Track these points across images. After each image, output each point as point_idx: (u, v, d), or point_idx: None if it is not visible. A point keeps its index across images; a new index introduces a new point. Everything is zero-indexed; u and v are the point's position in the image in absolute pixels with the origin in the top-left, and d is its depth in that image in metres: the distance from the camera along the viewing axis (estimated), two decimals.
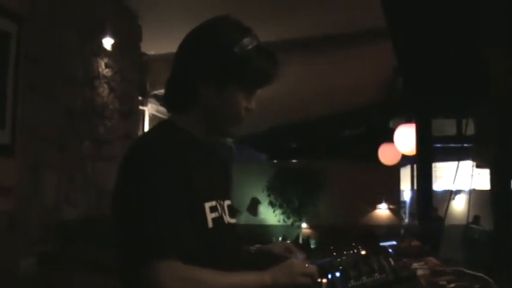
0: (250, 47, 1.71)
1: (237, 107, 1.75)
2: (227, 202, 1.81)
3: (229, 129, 1.83)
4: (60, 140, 5.62)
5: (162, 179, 1.59)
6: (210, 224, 1.67)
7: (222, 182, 1.89)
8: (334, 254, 2.27)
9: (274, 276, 1.67)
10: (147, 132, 1.81)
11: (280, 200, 13.76)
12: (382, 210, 14.08)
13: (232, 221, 1.82)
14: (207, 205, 1.68)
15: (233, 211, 1.85)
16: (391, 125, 10.39)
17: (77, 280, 4.73)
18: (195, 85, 1.72)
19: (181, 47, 1.78)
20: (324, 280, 1.86)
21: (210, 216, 1.67)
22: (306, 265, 1.78)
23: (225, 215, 1.76)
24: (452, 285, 1.91)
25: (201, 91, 1.72)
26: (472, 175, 4.11)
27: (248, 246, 2.02)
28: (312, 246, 12.88)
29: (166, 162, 1.62)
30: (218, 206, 1.72)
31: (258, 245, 2.04)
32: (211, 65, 1.70)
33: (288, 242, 2.05)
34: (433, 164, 4.32)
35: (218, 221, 1.70)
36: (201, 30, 1.77)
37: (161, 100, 9.44)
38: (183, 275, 1.51)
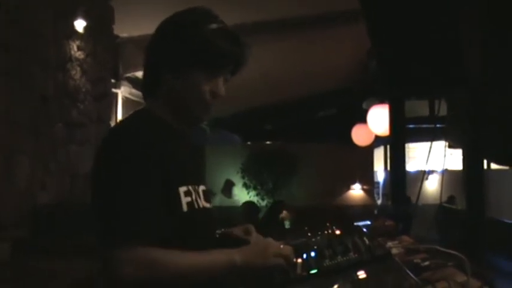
0: (209, 30, 1.73)
1: (199, 91, 1.75)
2: (202, 187, 1.82)
3: (197, 114, 1.82)
4: (33, 125, 5.57)
5: (139, 166, 1.60)
6: (185, 208, 1.68)
7: (197, 167, 1.90)
8: (309, 234, 2.29)
9: (246, 256, 1.65)
10: (124, 119, 1.81)
11: (254, 182, 13.76)
12: (356, 191, 14.16)
13: (207, 205, 1.83)
14: (181, 189, 1.69)
15: (208, 196, 1.86)
16: (364, 106, 10.42)
17: (51, 266, 4.72)
18: (158, 71, 1.76)
19: (151, 37, 1.80)
20: (299, 260, 1.87)
21: (184, 200, 1.69)
22: (281, 246, 1.75)
23: (200, 199, 1.77)
24: (427, 262, 1.93)
25: (164, 77, 1.75)
26: (444, 155, 4.15)
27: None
28: (286, 227, 12.92)
29: (143, 150, 1.63)
30: (192, 191, 1.73)
31: (222, 229, 2.02)
32: (171, 50, 1.73)
33: (249, 224, 2.00)
34: (406, 145, 4.35)
35: (192, 205, 1.71)
36: (167, 20, 1.80)
37: (134, 83, 9.37)
38: (147, 260, 1.50)
